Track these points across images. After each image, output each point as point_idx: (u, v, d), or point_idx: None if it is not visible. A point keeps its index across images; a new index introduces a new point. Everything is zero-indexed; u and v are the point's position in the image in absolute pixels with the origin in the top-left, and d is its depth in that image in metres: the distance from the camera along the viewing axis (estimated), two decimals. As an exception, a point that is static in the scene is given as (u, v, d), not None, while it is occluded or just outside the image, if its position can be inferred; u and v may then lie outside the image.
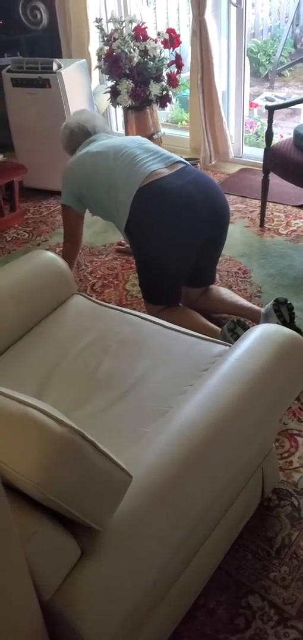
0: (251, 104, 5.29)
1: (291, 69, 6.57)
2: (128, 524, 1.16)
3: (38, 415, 1.07)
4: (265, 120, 3.63)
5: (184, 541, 1.30)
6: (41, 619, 1.08)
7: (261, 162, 3.32)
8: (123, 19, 3.88)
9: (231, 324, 2.31)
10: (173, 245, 2.35)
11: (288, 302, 2.41)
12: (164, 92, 3.81)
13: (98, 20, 3.84)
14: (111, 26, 3.87)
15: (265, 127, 3.26)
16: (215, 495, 1.36)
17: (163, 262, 2.40)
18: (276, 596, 1.59)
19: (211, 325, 2.41)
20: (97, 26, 3.84)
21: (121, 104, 3.81)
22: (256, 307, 2.52)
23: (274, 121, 3.25)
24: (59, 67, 3.79)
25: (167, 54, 3.85)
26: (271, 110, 3.23)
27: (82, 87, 4.00)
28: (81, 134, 2.76)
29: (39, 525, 1.07)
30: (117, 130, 4.92)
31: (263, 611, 1.56)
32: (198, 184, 2.40)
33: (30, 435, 1.06)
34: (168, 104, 3.92)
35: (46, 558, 1.07)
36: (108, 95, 3.88)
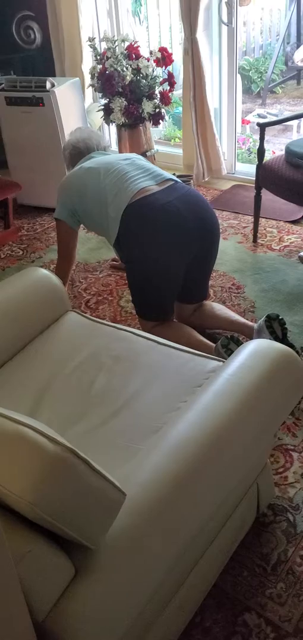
0: (243, 121, 5.34)
1: (282, 86, 6.64)
2: (121, 542, 1.16)
3: (31, 434, 1.07)
4: (257, 137, 3.66)
5: (180, 559, 1.29)
6: (34, 640, 1.07)
7: (254, 179, 3.34)
8: (116, 38, 3.91)
9: (225, 340, 2.32)
10: (160, 261, 2.36)
11: (280, 317, 2.41)
12: (157, 110, 3.84)
13: (91, 40, 3.87)
14: (103, 45, 3.90)
15: (257, 144, 3.29)
16: (209, 512, 1.35)
17: (151, 277, 2.41)
18: (272, 613, 1.57)
19: (205, 341, 2.41)
20: (90, 45, 3.88)
21: (114, 122, 3.84)
22: (249, 323, 2.53)
23: (266, 138, 3.28)
24: (53, 85, 3.82)
25: (159, 72, 3.89)
26: (263, 127, 3.26)
27: (75, 105, 4.04)
28: (76, 155, 2.81)
29: (32, 544, 1.06)
30: (110, 147, 4.94)
31: (260, 629, 1.54)
32: (187, 200, 2.42)
33: (23, 454, 1.05)
34: (160, 121, 3.95)
35: (40, 577, 1.06)
36: (101, 113, 3.91)
